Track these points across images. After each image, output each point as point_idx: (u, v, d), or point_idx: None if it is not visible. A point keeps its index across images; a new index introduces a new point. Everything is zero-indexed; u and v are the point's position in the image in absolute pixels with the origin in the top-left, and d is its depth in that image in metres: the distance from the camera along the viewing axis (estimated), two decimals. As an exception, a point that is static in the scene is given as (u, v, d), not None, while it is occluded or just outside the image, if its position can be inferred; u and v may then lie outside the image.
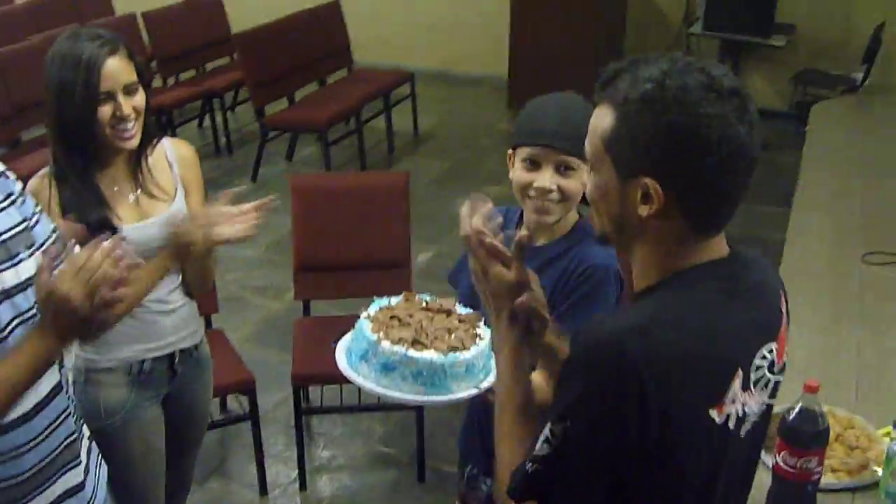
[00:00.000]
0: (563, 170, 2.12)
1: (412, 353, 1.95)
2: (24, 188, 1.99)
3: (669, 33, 8.32)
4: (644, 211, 1.43)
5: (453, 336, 2.03)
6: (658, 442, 1.38)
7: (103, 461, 2.23)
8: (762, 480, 2.23)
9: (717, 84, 1.39)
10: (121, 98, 2.30)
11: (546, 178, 2.11)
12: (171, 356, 2.60)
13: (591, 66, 7.80)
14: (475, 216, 1.64)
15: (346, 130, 7.18)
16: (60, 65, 2.27)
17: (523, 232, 1.63)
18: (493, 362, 1.80)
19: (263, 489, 3.74)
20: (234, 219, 2.34)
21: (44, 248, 1.93)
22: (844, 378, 2.75)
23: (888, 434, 2.39)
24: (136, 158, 2.46)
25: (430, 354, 1.96)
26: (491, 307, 1.64)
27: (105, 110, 2.29)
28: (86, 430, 2.15)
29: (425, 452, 3.82)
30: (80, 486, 2.06)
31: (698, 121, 1.37)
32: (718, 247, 1.51)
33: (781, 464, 2.12)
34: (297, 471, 3.81)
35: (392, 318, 2.07)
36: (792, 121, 7.65)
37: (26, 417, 1.89)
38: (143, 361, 2.54)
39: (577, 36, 7.84)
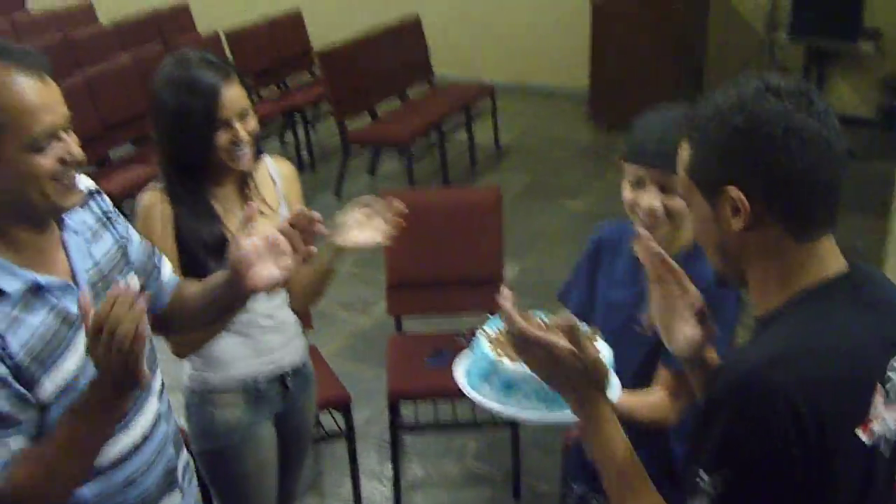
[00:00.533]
0: (666, 189, 2.09)
1: None
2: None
3: (753, 40, 8.20)
4: (737, 224, 1.44)
5: None
6: (818, 471, 1.35)
7: (195, 481, 2.26)
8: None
9: (774, 85, 1.42)
10: (237, 124, 2.33)
11: (649, 198, 2.09)
12: (283, 373, 2.62)
13: (672, 76, 7.80)
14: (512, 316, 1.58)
15: (427, 144, 7.20)
16: (177, 91, 2.29)
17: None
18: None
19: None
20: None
21: (136, 267, 2.00)
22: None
23: None
24: (244, 176, 2.49)
25: None
26: (570, 391, 1.60)
27: (222, 136, 2.32)
28: (183, 453, 2.17)
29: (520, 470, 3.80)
30: None
31: (758, 118, 1.40)
32: (836, 261, 1.48)
33: None
34: (391, 487, 3.80)
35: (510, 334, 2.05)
36: (879, 129, 7.50)
37: (136, 447, 1.94)
38: (256, 380, 2.56)
39: (657, 46, 7.75)
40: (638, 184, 2.11)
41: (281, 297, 2.57)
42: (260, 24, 8.08)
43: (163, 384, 2.09)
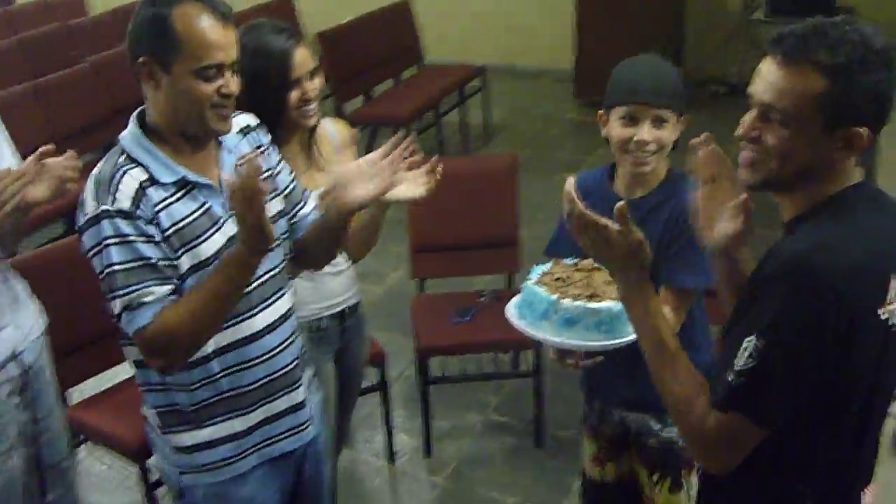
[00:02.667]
0: (658, 123, 2.40)
1: (592, 304, 2.21)
2: (271, 141, 2.38)
3: (731, 19, 8.47)
4: (841, 155, 1.71)
5: (615, 287, 2.26)
6: (845, 344, 1.65)
7: (318, 390, 2.56)
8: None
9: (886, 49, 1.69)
10: (306, 83, 2.57)
11: (645, 132, 2.39)
12: (342, 313, 2.86)
13: (655, 53, 8.03)
14: (573, 198, 1.79)
15: (420, 125, 7.41)
16: (252, 56, 2.50)
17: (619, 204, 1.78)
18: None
19: (391, 457, 3.99)
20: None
21: (285, 193, 2.35)
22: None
23: None
24: (308, 134, 2.72)
25: (609, 303, 2.20)
26: (619, 271, 1.83)
27: (294, 94, 2.56)
28: (309, 370, 2.45)
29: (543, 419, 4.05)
30: (300, 405, 2.42)
31: (892, 69, 1.68)
32: (856, 171, 1.78)
33: None
34: (420, 439, 4.05)
35: (557, 279, 2.33)
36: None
37: (257, 336, 2.26)
38: (320, 319, 2.80)
39: (639, 26, 7.97)
40: (631, 120, 2.39)
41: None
42: (248, 10, 8.20)
43: (293, 305, 2.41)
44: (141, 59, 2.08)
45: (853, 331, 1.65)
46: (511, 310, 2.36)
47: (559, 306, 2.23)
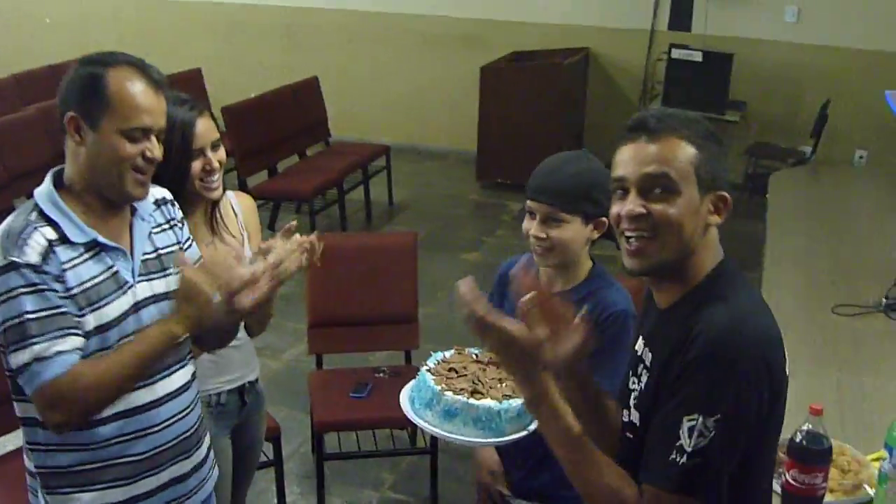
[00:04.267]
0: (552, 221, 2.47)
1: (472, 401, 2.25)
2: (183, 217, 2.40)
3: (629, 108, 8.77)
4: (715, 219, 1.82)
5: (505, 385, 2.32)
6: (774, 404, 1.76)
7: (217, 466, 2.56)
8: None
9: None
10: (210, 153, 2.60)
11: (534, 227, 2.48)
12: (242, 388, 2.86)
13: (555, 141, 8.27)
14: (472, 298, 1.75)
15: (324, 202, 7.47)
16: None
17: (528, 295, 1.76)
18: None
19: (284, 534, 3.95)
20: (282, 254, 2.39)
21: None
22: (830, 413, 3.04)
23: (878, 458, 2.68)
24: (212, 208, 2.74)
25: (488, 402, 2.25)
26: (522, 373, 1.79)
27: (196, 164, 2.59)
28: (205, 443, 2.43)
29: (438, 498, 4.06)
30: (189, 474, 2.40)
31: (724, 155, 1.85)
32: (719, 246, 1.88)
33: (791, 481, 2.36)
34: (315, 516, 4.01)
35: (450, 370, 2.38)
36: (746, 192, 8.09)
37: (155, 404, 2.26)
38: (220, 394, 2.79)
39: (541, 113, 8.21)
40: (531, 214, 2.50)
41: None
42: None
43: (194, 374, 2.43)
44: (70, 114, 2.10)
45: (779, 390, 1.77)
46: (405, 392, 2.41)
47: (441, 398, 2.28)
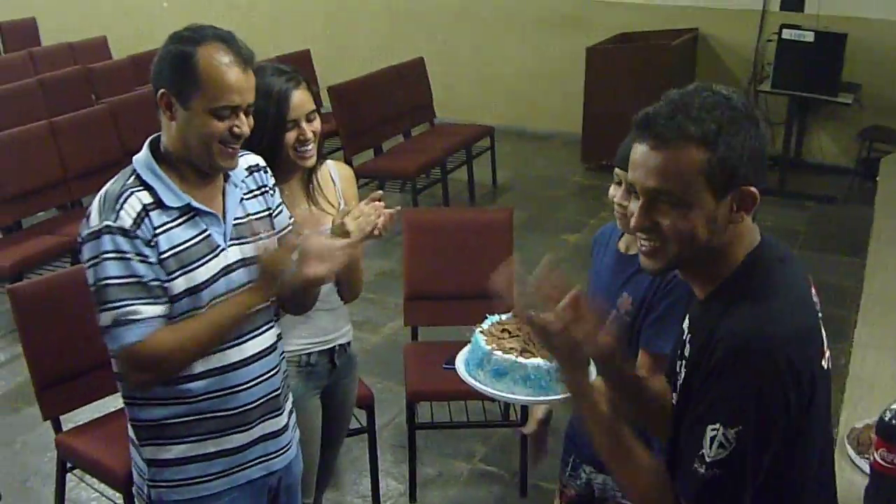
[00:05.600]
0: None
1: (521, 359, 2.29)
2: (275, 184, 2.50)
3: (738, 91, 8.59)
4: (738, 218, 1.69)
5: None
6: (805, 406, 1.68)
7: (296, 427, 2.66)
8: (854, 480, 2.51)
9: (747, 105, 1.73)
10: (304, 124, 2.68)
11: (619, 195, 2.46)
12: (332, 350, 2.94)
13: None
14: (523, 297, 1.82)
15: (427, 181, 7.55)
16: None
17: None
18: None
19: (376, 501, 4.02)
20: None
21: (280, 234, 2.46)
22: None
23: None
24: (309, 175, 2.82)
25: (537, 360, 2.28)
26: (560, 364, 1.80)
27: (291, 135, 2.67)
28: (289, 404, 2.52)
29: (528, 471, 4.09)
30: (274, 434, 2.51)
31: (761, 130, 1.69)
32: (755, 228, 1.78)
33: (879, 460, 2.33)
34: (406, 484, 4.09)
35: (503, 330, 2.42)
36: (858, 177, 7.90)
37: (243, 363, 2.37)
38: (309, 354, 2.88)
39: (648, 95, 7.88)
40: (618, 182, 2.46)
41: (332, 284, 2.88)
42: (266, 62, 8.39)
43: (280, 336, 2.54)
44: (162, 91, 2.21)
45: (811, 392, 1.67)
46: (461, 355, 2.46)
47: (491, 357, 2.32)
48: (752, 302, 1.68)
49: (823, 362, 1.75)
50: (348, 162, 7.18)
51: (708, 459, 1.64)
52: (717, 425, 1.63)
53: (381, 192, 2.67)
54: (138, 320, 2.17)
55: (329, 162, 2.95)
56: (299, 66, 8.58)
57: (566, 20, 9.38)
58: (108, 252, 2.16)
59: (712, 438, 1.63)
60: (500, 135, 8.29)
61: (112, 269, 2.16)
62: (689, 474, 1.67)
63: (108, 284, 2.17)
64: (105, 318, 2.19)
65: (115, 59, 9.31)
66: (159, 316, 2.20)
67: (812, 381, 1.68)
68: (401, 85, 7.95)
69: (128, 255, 2.16)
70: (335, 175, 2.94)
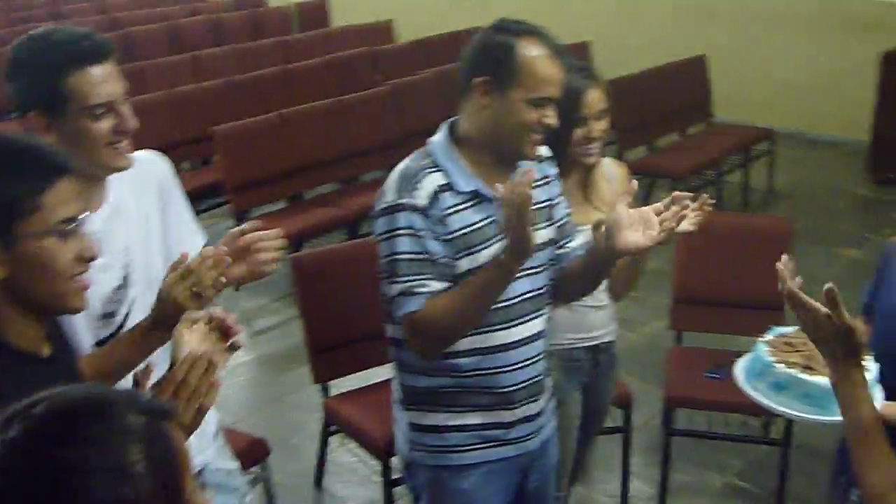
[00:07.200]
0: None
1: (803, 375, 2.23)
2: (558, 174, 2.54)
3: None
4: None
5: None
6: None
7: (555, 416, 2.71)
8: None
9: None
10: (593, 122, 2.67)
11: None
12: (596, 347, 2.93)
13: None
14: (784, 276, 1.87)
15: (700, 182, 7.35)
16: None
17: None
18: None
19: (624, 501, 3.98)
20: None
21: (558, 224, 2.52)
22: None
23: None
24: (587, 172, 2.82)
25: (819, 379, 2.19)
26: (827, 353, 1.84)
27: (580, 132, 2.67)
28: (547, 392, 2.54)
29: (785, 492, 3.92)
30: (531, 418, 2.57)
31: None
32: None
33: None
34: (656, 489, 4.01)
35: (787, 343, 2.37)
36: None
37: (509, 346, 2.44)
38: (573, 349, 2.88)
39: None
40: None
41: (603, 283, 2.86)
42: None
43: (547, 327, 2.56)
44: (480, 79, 2.29)
45: None
46: (740, 362, 2.44)
47: (772, 370, 2.29)
48: None
49: None
50: (620, 157, 7.12)
51: None
52: None
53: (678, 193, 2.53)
54: (422, 293, 2.28)
55: (606, 160, 2.94)
56: (577, 58, 8.58)
57: (860, 23, 8.85)
58: (402, 228, 2.28)
59: None
60: (780, 138, 7.97)
61: (405, 244, 2.28)
62: None
63: (399, 259, 2.28)
64: (393, 290, 2.31)
65: (399, 43, 9.66)
66: (439, 292, 2.30)
67: None
68: (679, 82, 7.80)
69: (421, 233, 2.27)
70: (611, 174, 2.92)
